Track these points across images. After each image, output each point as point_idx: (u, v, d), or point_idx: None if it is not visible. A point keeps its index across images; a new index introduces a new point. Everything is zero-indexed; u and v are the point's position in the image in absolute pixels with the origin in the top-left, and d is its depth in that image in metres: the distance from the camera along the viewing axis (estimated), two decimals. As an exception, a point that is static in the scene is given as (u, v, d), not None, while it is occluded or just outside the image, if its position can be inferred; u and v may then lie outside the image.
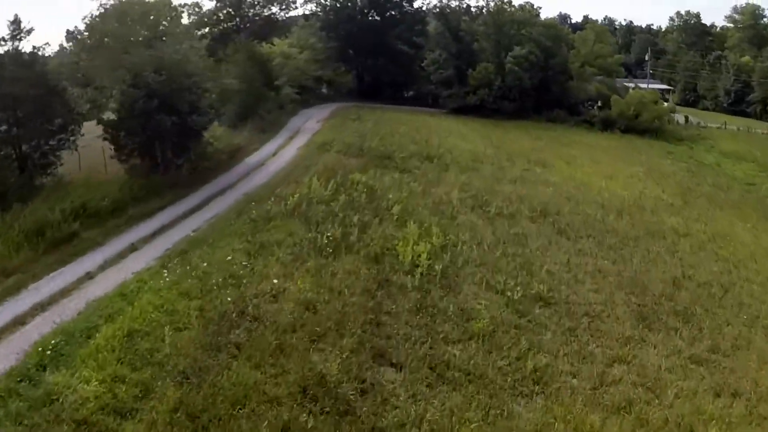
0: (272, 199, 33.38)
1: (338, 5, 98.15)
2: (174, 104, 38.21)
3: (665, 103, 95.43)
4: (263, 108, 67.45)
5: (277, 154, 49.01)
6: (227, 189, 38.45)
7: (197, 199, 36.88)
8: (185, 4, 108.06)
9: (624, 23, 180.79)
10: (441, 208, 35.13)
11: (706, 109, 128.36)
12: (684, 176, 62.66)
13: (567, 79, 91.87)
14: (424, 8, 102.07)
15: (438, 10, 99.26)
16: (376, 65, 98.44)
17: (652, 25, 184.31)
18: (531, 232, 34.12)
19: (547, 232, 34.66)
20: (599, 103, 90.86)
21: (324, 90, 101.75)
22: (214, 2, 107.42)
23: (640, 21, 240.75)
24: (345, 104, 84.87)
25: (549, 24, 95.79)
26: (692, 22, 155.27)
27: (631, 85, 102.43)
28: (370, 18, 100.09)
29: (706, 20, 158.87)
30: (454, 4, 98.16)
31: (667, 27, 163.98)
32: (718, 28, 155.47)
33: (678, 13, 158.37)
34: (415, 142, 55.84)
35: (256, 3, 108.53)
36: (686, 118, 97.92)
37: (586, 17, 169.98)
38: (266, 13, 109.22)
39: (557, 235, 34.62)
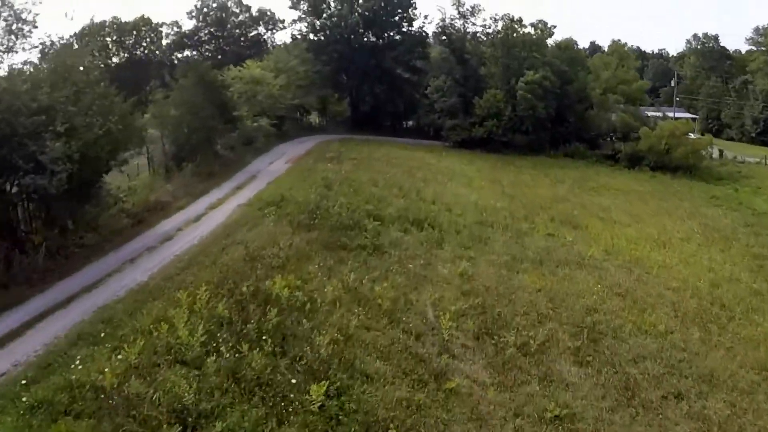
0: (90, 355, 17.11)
1: (329, 24, 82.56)
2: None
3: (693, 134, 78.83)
4: (224, 144, 52.04)
5: (204, 217, 33.17)
6: (81, 293, 22.55)
7: (33, 308, 21.16)
8: (163, 23, 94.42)
9: (633, 48, 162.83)
10: (420, 353, 18.80)
11: (731, 139, 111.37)
12: (746, 234, 46.14)
13: (586, 107, 76.13)
14: (425, 28, 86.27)
15: (440, 29, 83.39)
16: (372, 92, 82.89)
17: (664, 49, 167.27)
18: (580, 398, 17.86)
19: (609, 392, 18.36)
20: (619, 135, 74.93)
21: (315, 119, 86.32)
22: (194, 21, 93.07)
23: (649, 46, 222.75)
24: (333, 137, 69.63)
25: (564, 45, 79.75)
26: (710, 45, 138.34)
27: (658, 114, 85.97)
28: (365, 39, 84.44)
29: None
30: (458, 23, 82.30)
31: (684, 51, 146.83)
32: (737, 51, 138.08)
33: (695, 35, 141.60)
34: (403, 193, 40.03)
35: (240, 22, 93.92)
36: (720, 152, 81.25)
37: (593, 43, 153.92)
38: (252, 34, 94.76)
39: (628, 397, 18.30)
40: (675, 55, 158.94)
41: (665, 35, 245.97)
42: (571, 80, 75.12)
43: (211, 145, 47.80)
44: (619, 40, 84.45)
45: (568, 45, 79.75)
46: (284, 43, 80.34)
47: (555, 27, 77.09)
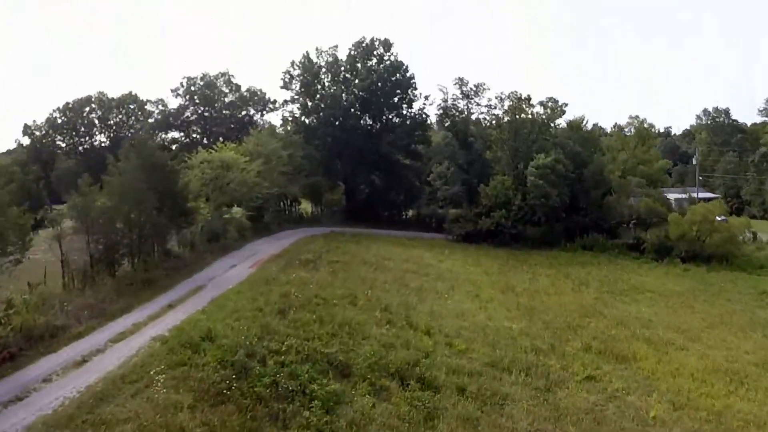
0: None
1: (322, 105, 73.23)
2: None
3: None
4: (182, 241, 41.51)
5: (98, 356, 22.17)
6: None
7: None
8: (148, 101, 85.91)
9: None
10: None
11: (753, 217, 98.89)
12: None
13: (604, 192, 65.46)
14: (426, 110, 76.76)
15: (442, 111, 74.01)
16: (369, 180, 72.89)
17: (670, 127, 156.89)
18: None
19: None
20: (635, 219, 63.92)
21: (307, 210, 75.94)
22: (179, 99, 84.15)
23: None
24: (322, 230, 59.26)
25: (577, 125, 69.80)
26: (721, 119, 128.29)
27: (681, 195, 74.84)
28: (361, 122, 75.03)
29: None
30: (461, 104, 72.91)
31: (694, 127, 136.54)
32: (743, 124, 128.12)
33: (705, 110, 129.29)
34: (388, 317, 28.79)
35: (230, 103, 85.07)
36: (754, 234, 69.23)
37: (596, 125, 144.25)
38: (242, 114, 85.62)
39: None
40: (680, 133, 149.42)
41: (667, 113, 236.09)
42: (585, 163, 65.11)
43: (156, 243, 37.04)
44: (637, 117, 74.41)
45: (580, 124, 69.73)
46: (268, 124, 70.91)
47: (566, 105, 66.99)
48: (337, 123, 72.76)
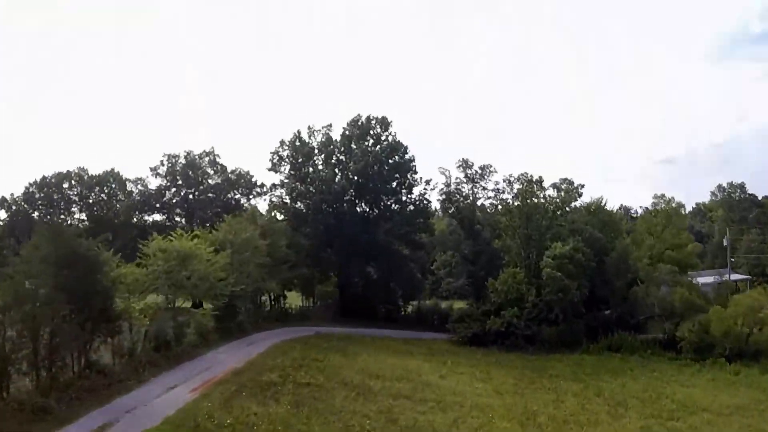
0: None
1: (312, 190, 64.76)
2: None
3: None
4: (117, 350, 31.92)
5: None
6: None
7: None
8: (127, 179, 77.97)
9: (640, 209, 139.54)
10: None
11: None
12: None
13: (630, 283, 55.64)
14: (427, 195, 67.92)
15: (445, 196, 65.34)
16: (363, 272, 63.50)
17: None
18: None
19: None
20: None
21: (295, 304, 66.15)
22: (160, 180, 75.97)
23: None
24: (306, 331, 49.58)
25: (595, 208, 60.72)
26: (737, 195, 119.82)
27: (712, 279, 64.15)
28: (357, 209, 66.33)
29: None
30: (466, 188, 64.40)
31: (709, 203, 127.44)
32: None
33: (719, 186, 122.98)
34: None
35: (216, 185, 76.86)
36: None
37: (620, 208, 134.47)
38: (226, 198, 77.01)
39: None
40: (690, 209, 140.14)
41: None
42: (606, 249, 55.85)
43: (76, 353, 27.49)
44: (664, 195, 65.01)
45: (600, 206, 60.65)
46: (246, 209, 61.75)
47: (583, 186, 58.14)
48: (329, 209, 64.10)
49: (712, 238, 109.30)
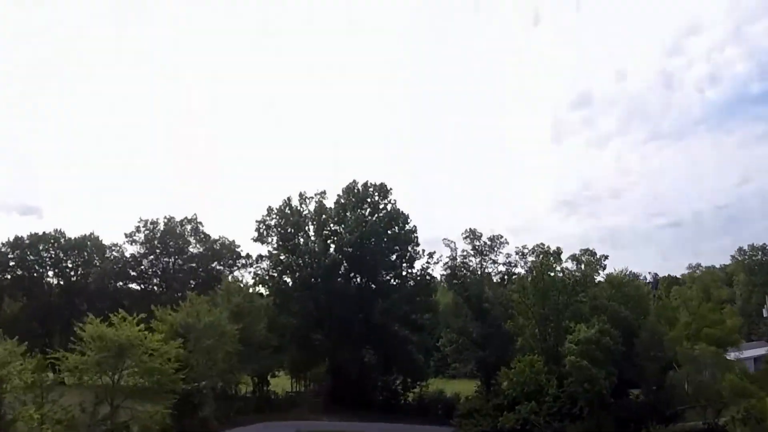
0: None
1: (301, 263, 56.82)
2: None
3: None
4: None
5: None
6: None
7: None
8: (105, 246, 70.05)
9: (650, 276, 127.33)
10: None
11: None
12: None
13: (663, 367, 47.38)
14: (430, 269, 59.74)
15: (450, 271, 57.28)
16: (358, 356, 54.94)
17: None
18: None
19: None
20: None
21: (282, 390, 57.14)
22: (137, 247, 68.21)
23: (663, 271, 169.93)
24: (280, 430, 40.41)
25: (619, 282, 52.20)
26: (758, 257, 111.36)
27: (754, 353, 54.51)
28: (351, 284, 58.19)
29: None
30: (473, 262, 56.40)
31: (731, 266, 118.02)
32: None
33: (740, 249, 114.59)
34: None
35: (200, 255, 68.89)
36: None
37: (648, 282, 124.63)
38: (209, 268, 68.76)
39: None
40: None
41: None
42: (634, 329, 47.04)
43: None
44: (699, 264, 56.44)
45: (625, 280, 52.22)
46: (220, 286, 53.54)
47: (606, 258, 49.87)
48: (320, 284, 55.95)
49: (734, 303, 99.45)
